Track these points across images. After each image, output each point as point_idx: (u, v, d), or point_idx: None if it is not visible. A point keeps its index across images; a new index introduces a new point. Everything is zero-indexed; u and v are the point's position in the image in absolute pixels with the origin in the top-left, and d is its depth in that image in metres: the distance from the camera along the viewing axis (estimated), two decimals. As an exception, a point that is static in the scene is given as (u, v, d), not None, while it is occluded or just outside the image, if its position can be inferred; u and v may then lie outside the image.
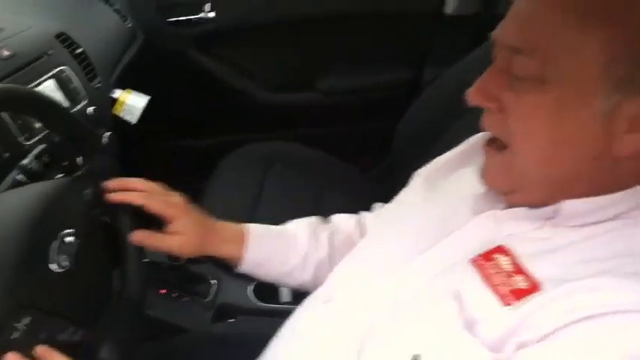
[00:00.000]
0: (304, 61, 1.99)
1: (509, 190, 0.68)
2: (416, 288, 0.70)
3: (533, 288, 0.60)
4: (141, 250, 0.90)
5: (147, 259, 1.29)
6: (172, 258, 1.27)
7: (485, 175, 0.71)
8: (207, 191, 1.63)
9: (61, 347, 0.73)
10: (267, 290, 1.31)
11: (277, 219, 1.07)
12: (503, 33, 0.64)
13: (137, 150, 1.82)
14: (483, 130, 0.70)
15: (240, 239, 0.97)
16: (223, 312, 1.27)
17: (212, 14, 1.86)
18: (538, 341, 0.56)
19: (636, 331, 0.52)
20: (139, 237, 0.88)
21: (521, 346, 0.57)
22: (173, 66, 1.93)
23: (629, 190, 0.62)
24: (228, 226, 0.99)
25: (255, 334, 0.91)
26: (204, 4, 1.85)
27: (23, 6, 1.40)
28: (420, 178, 0.91)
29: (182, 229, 0.91)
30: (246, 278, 1.32)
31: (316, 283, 0.94)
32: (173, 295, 1.27)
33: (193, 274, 1.32)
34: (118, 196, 0.87)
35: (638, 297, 0.53)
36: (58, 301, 0.75)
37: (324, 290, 0.85)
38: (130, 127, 1.52)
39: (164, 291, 1.27)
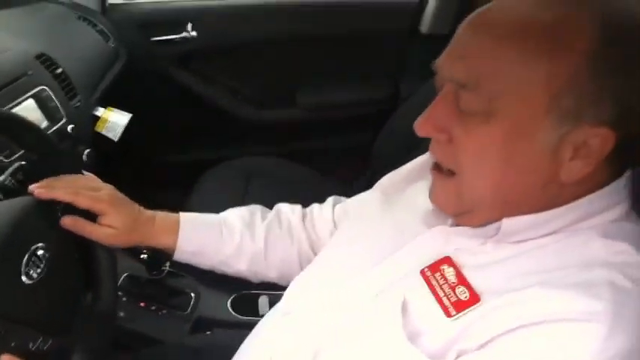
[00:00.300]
0: (285, 78, 2.03)
1: (458, 212, 0.71)
2: (367, 299, 0.73)
3: (473, 299, 0.63)
4: (113, 263, 0.93)
5: (127, 273, 1.33)
6: (151, 272, 1.30)
7: (435, 198, 0.73)
8: (187, 206, 1.66)
9: (31, 356, 0.75)
10: (245, 303, 1.33)
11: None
12: (448, 66, 0.66)
13: (119, 166, 1.85)
14: (433, 162, 0.72)
15: (175, 229, 0.98)
16: (201, 325, 1.29)
17: (194, 33, 1.91)
18: (477, 349, 0.59)
19: (572, 340, 0.55)
20: (69, 222, 0.87)
21: (461, 354, 0.61)
22: (156, 84, 1.97)
23: (568, 205, 0.65)
24: (163, 217, 1.00)
25: (228, 346, 0.93)
26: (186, 23, 1.90)
27: (4, 29, 1.43)
28: (377, 191, 0.94)
29: (112, 223, 0.92)
30: (225, 291, 1.36)
31: (253, 274, 0.99)
32: (152, 308, 1.29)
33: (172, 288, 1.34)
34: (44, 193, 0.85)
35: (576, 306, 0.56)
36: (29, 311, 0.78)
37: (284, 302, 0.88)
38: (112, 145, 1.55)
39: (143, 304, 1.29)
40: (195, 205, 1.68)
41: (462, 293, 0.65)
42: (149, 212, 0.99)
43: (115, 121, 1.56)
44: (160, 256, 1.20)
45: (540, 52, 0.60)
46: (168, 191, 1.93)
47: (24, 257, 0.78)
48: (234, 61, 2.00)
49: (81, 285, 0.90)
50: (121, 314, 1.26)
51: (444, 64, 0.67)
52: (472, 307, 0.63)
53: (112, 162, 1.54)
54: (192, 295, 1.34)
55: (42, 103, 1.26)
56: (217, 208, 1.62)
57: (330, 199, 1.08)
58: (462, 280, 0.66)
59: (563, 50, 0.59)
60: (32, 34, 1.46)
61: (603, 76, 0.59)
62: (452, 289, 0.65)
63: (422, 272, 0.69)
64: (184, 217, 1.00)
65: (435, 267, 0.69)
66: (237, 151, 1.95)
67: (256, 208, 1.06)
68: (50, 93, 1.29)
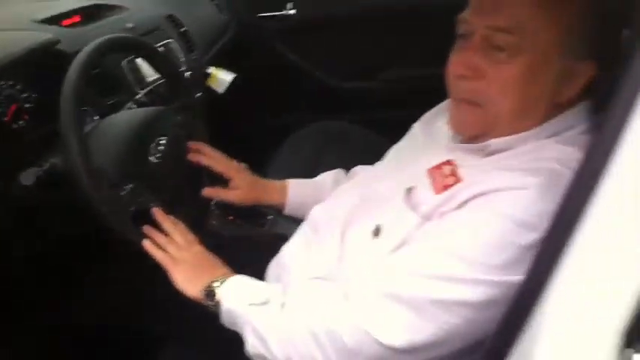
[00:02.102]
0: (370, 52, 2.27)
1: (474, 135, 0.94)
2: (386, 187, 1.01)
3: (456, 182, 0.89)
4: None
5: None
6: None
7: (457, 123, 0.96)
8: (273, 161, 1.94)
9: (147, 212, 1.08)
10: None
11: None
12: (483, 17, 0.86)
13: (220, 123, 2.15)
14: (457, 96, 0.93)
15: (283, 190, 1.33)
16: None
17: (293, 11, 2.21)
18: (453, 210, 0.85)
19: (512, 201, 0.79)
20: (209, 191, 1.28)
21: (441, 215, 0.87)
22: (257, 53, 2.29)
23: (541, 126, 0.88)
24: (273, 182, 1.36)
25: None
26: (287, 1, 2.21)
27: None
28: (420, 122, 1.20)
29: (239, 184, 1.29)
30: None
31: None
32: (237, 222, 1.61)
33: (256, 209, 1.65)
34: (195, 156, 1.26)
35: (521, 180, 0.80)
36: (152, 181, 1.11)
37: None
38: (216, 100, 1.88)
39: (231, 218, 1.61)
40: (280, 160, 1.95)
41: (450, 180, 0.90)
42: (261, 179, 1.35)
43: (222, 77, 1.89)
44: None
45: (551, 7, 0.82)
46: (258, 147, 2.23)
47: (152, 143, 1.11)
48: (326, 37, 2.27)
49: (186, 171, 1.24)
50: (213, 222, 1.59)
51: (477, 16, 0.87)
52: (454, 187, 0.88)
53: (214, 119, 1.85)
54: (271, 217, 1.64)
55: (168, 52, 1.60)
56: (297, 163, 1.92)
57: None
58: (453, 173, 0.91)
59: (566, 6, 0.82)
60: (164, 0, 1.82)
61: (590, 24, 0.83)
62: (444, 178, 0.91)
63: (428, 170, 0.95)
64: (290, 181, 1.35)
65: (438, 166, 0.94)
66: (324, 117, 2.19)
67: (341, 170, 1.37)
68: (175, 45, 1.64)
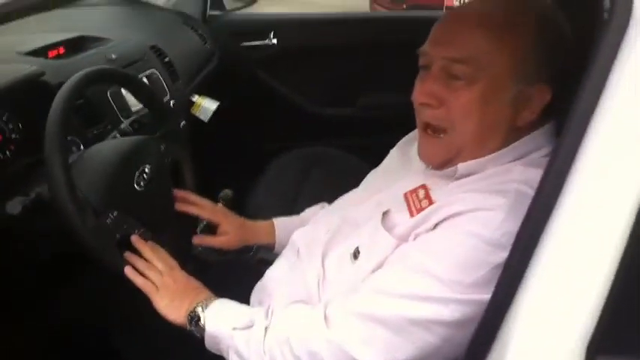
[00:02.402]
0: (348, 80, 2.34)
1: (441, 162, 0.98)
2: (364, 211, 1.05)
3: (429, 204, 0.92)
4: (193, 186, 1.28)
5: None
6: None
7: (424, 155, 1.01)
8: (256, 186, 1.98)
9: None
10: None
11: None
12: (439, 49, 0.92)
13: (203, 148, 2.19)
14: (422, 122, 0.97)
15: (271, 231, 1.35)
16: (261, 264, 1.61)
17: (274, 41, 2.27)
18: (426, 232, 0.89)
19: (480, 221, 0.83)
20: (198, 240, 1.29)
21: (416, 236, 0.90)
22: (241, 81, 2.34)
23: (504, 150, 0.92)
24: (260, 223, 1.37)
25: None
26: (269, 32, 2.27)
27: (127, 25, 1.86)
28: (395, 148, 1.24)
29: (226, 229, 1.30)
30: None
31: None
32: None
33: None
34: (182, 206, 1.27)
35: (488, 201, 0.84)
36: (137, 209, 1.12)
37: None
38: (200, 128, 1.91)
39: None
40: (264, 185, 1.98)
41: (424, 203, 0.93)
42: (247, 221, 1.36)
43: (206, 106, 1.93)
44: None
45: (506, 37, 0.88)
46: (241, 175, 2.26)
47: (136, 171, 1.13)
48: (307, 64, 2.33)
49: (172, 199, 1.26)
50: (199, 249, 1.60)
51: (434, 48, 0.93)
52: (427, 209, 0.91)
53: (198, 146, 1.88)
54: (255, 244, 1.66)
55: (152, 81, 1.64)
56: (281, 187, 1.95)
57: None
58: (427, 196, 0.95)
59: (516, 37, 0.88)
60: (148, 31, 1.86)
61: (541, 51, 0.88)
62: (419, 202, 0.95)
63: (404, 194, 0.99)
64: (277, 220, 1.37)
65: (413, 190, 0.98)
66: (305, 142, 2.24)
67: (324, 204, 1.39)
68: (159, 75, 1.67)
